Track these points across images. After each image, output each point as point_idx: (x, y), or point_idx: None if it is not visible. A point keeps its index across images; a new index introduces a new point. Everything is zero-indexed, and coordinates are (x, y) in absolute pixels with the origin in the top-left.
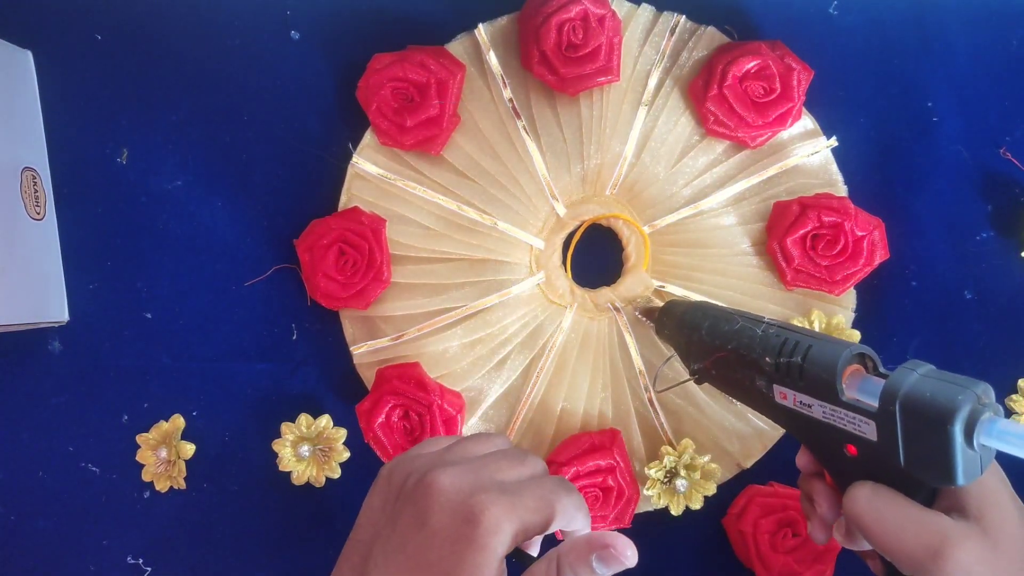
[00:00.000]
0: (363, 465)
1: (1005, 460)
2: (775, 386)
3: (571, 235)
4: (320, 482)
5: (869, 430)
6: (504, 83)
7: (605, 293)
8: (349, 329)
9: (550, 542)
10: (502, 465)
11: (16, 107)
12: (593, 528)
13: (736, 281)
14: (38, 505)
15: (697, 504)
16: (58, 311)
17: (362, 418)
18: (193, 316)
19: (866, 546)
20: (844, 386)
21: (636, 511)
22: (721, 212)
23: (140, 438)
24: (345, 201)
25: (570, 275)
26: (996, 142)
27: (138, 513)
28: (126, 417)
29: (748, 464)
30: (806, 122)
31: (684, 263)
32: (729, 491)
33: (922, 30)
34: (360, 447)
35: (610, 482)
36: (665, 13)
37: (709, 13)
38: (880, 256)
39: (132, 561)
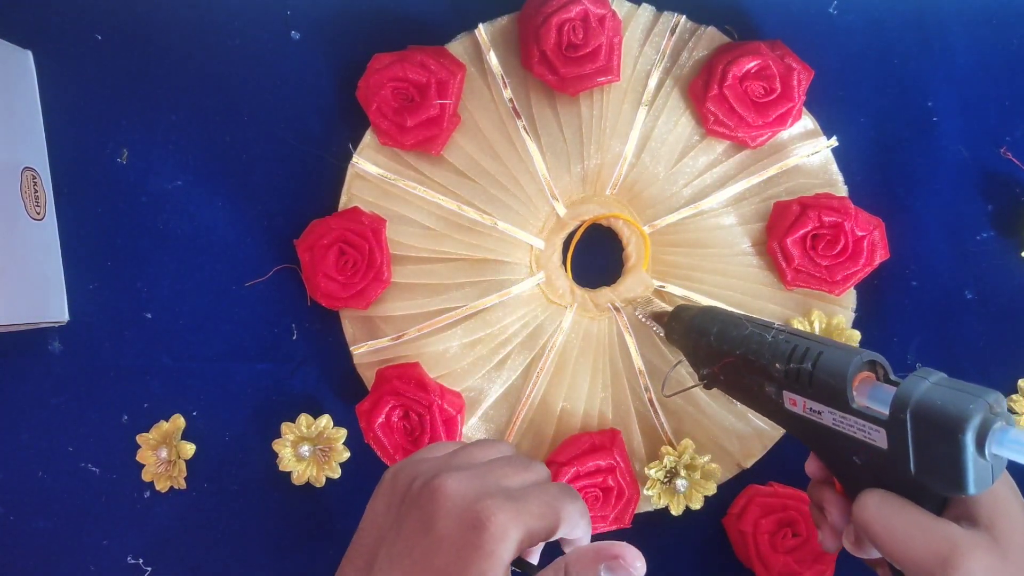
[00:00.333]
0: (363, 465)
1: (1014, 469)
2: (785, 392)
3: (571, 235)
4: (320, 482)
5: (879, 438)
6: (504, 83)
7: (605, 293)
8: (349, 329)
9: (549, 549)
10: (507, 471)
11: (16, 107)
12: (592, 528)
13: (736, 281)
14: (38, 505)
15: (697, 504)
16: (58, 311)
17: (362, 418)
18: (193, 316)
19: (875, 554)
20: (855, 393)
21: (636, 511)
22: (721, 212)
23: (140, 438)
24: (345, 201)
25: (570, 275)
26: (996, 142)
27: (138, 513)
28: (126, 417)
29: (748, 464)
30: (806, 122)
31: (684, 263)
32: (729, 491)
33: (922, 30)
34: (360, 447)
35: (610, 482)
36: (665, 13)
37: (709, 13)
38: (880, 256)
39: (132, 561)
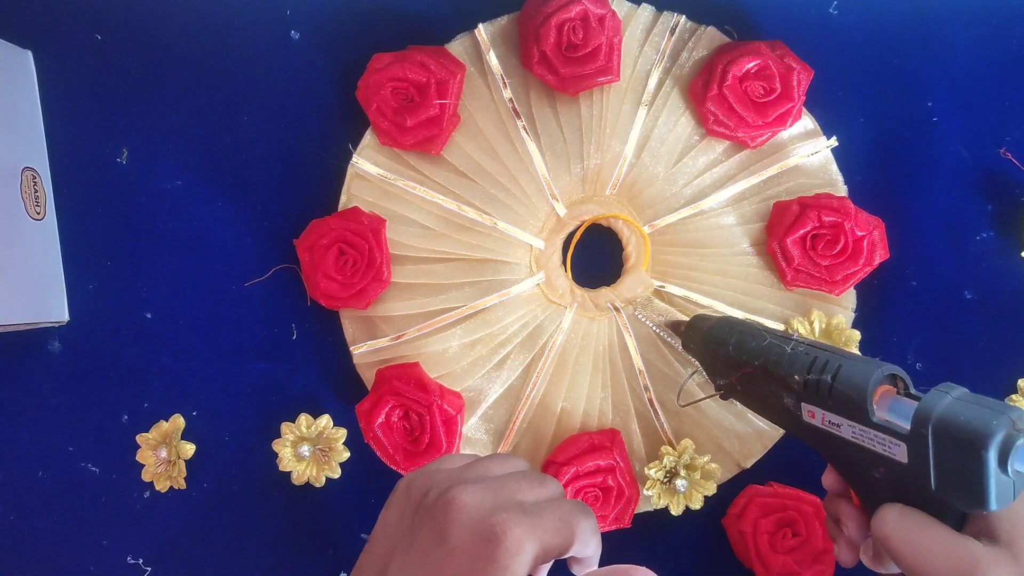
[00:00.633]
0: (363, 465)
1: None
2: (803, 404)
3: (571, 235)
4: (320, 482)
5: (899, 452)
6: (504, 83)
7: (605, 293)
8: (349, 329)
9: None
10: (523, 485)
11: (16, 107)
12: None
13: (736, 281)
14: (38, 505)
15: (697, 504)
16: (58, 311)
17: (362, 418)
18: (193, 316)
19: (894, 570)
20: (875, 407)
21: (636, 511)
22: (721, 212)
23: (140, 438)
24: (345, 201)
25: (570, 275)
26: (996, 142)
27: (138, 513)
28: (126, 417)
29: (748, 464)
30: (806, 122)
31: (684, 263)
32: (729, 491)
33: (922, 30)
34: (360, 447)
35: (610, 482)
36: (665, 13)
37: (709, 13)
38: (880, 256)
39: (132, 561)
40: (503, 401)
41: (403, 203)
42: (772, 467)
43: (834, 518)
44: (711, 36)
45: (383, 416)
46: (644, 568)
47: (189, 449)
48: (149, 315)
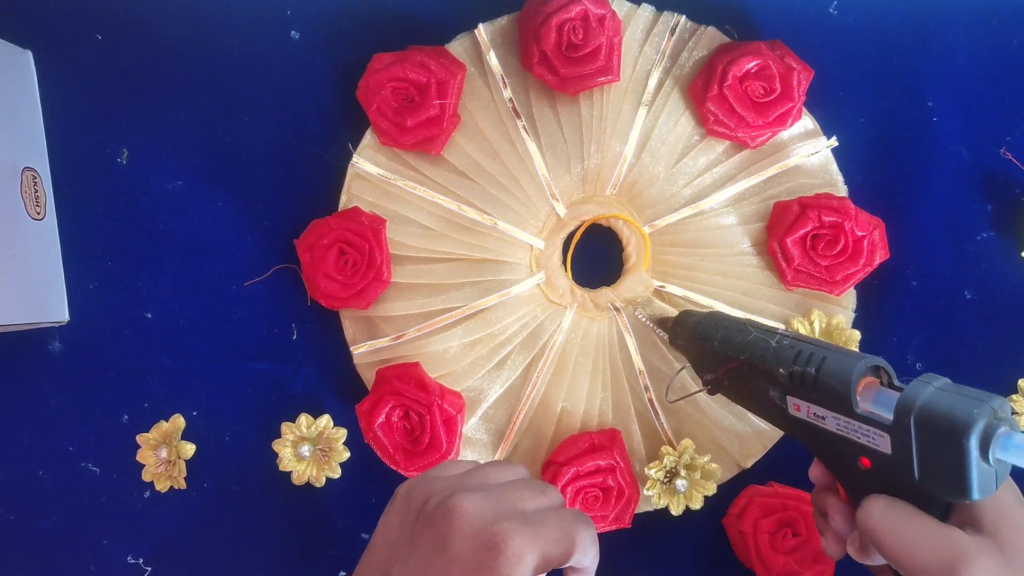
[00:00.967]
0: (363, 465)
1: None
2: (789, 397)
3: (571, 235)
4: (320, 482)
5: (883, 443)
6: (504, 83)
7: (605, 293)
8: (349, 329)
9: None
10: (524, 494)
11: (16, 107)
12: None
13: (736, 281)
14: (38, 505)
15: (697, 504)
16: (58, 311)
17: (362, 418)
18: (193, 316)
19: (880, 561)
20: (858, 398)
21: (636, 511)
22: (721, 212)
23: (140, 438)
24: (345, 201)
25: (570, 275)
26: (996, 142)
27: (138, 513)
28: (126, 417)
29: (748, 464)
30: (806, 122)
31: (684, 263)
32: (729, 491)
33: (922, 30)
34: (360, 447)
35: (610, 482)
36: (665, 13)
37: (709, 13)
38: (880, 256)
39: (132, 561)
40: (503, 401)
41: (403, 203)
42: (772, 467)
43: (821, 511)
44: (711, 36)
45: (383, 416)
46: None
47: (189, 449)
48: (149, 315)
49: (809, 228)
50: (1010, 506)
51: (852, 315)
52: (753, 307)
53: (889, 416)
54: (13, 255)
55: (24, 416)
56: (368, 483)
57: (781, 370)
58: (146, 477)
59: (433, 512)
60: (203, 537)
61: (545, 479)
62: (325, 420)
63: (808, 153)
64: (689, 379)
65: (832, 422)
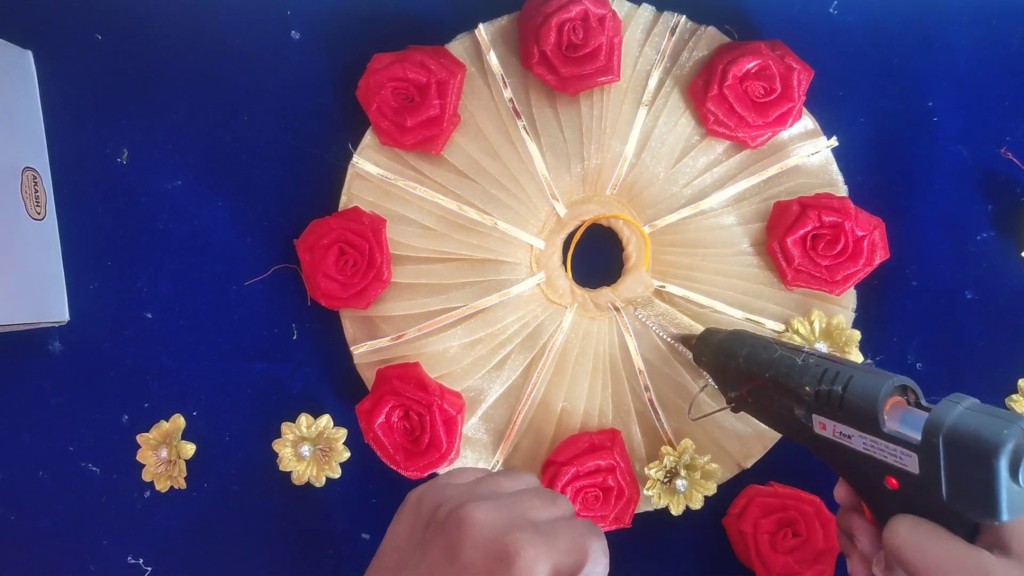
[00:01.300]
0: (363, 465)
1: None
2: (814, 416)
3: (571, 235)
4: (320, 482)
5: (911, 463)
6: (504, 83)
7: (605, 293)
8: (349, 329)
9: None
10: (535, 504)
11: (16, 107)
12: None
13: (736, 281)
14: (38, 505)
15: (697, 504)
16: (58, 311)
17: (362, 418)
18: (193, 316)
19: None
20: (886, 417)
21: (636, 511)
22: (721, 212)
23: (140, 438)
24: (345, 201)
25: (570, 275)
26: (996, 142)
27: (138, 513)
28: (126, 417)
29: (748, 464)
30: (806, 122)
31: (684, 263)
32: (729, 491)
33: (922, 30)
34: (360, 447)
35: (610, 482)
36: (665, 13)
37: (709, 13)
38: (880, 256)
39: (132, 561)
40: (503, 401)
41: (403, 203)
42: (772, 467)
43: (847, 532)
44: (711, 36)
45: (383, 416)
46: None
47: (189, 449)
48: (149, 315)
49: (809, 228)
50: None
51: (852, 315)
52: (753, 307)
53: (917, 436)
54: (13, 255)
55: (24, 416)
56: (368, 483)
57: (807, 388)
58: (146, 477)
59: (444, 520)
60: (203, 537)
61: (545, 479)
62: (325, 420)
63: (808, 153)
64: (706, 396)
65: (858, 441)
